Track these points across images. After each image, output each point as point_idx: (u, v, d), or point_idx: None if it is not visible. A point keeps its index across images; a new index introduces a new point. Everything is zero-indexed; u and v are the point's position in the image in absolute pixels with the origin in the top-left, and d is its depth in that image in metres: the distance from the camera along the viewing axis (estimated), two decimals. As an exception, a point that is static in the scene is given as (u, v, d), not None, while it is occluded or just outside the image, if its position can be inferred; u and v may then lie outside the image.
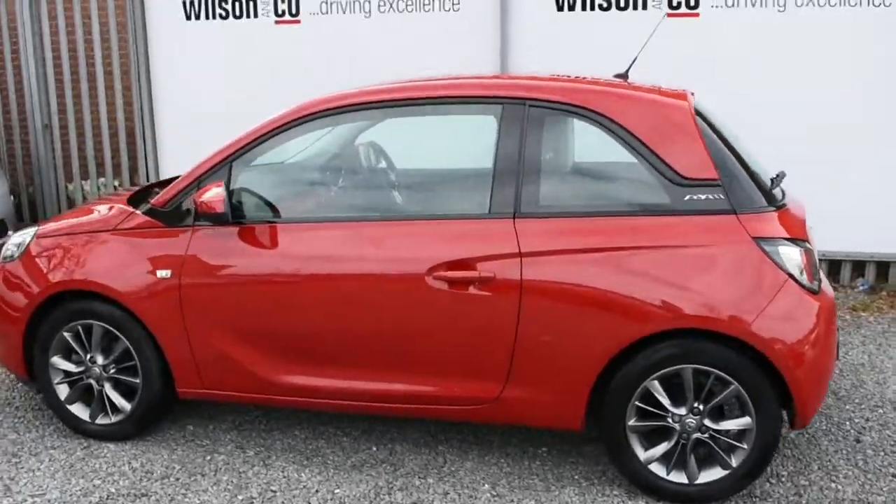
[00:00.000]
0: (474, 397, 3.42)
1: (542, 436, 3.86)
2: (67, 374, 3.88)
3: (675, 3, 5.91)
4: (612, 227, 3.28)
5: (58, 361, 3.86)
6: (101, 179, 7.46)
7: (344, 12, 6.51)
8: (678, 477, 3.31)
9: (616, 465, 3.42)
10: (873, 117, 5.70)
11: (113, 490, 3.47)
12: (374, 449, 3.80)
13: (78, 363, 3.86)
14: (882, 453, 3.69)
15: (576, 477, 3.55)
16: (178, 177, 4.48)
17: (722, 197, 3.23)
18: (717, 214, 3.22)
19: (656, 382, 3.24)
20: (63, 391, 3.90)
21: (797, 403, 3.16)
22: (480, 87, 3.55)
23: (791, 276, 3.17)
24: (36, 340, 3.85)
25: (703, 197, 3.24)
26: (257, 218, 3.57)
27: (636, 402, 3.27)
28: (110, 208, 3.94)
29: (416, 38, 6.39)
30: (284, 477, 3.56)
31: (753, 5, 5.78)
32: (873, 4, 5.57)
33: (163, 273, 3.62)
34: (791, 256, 3.19)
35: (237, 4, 6.69)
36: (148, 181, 7.15)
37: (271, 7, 6.62)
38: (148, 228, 3.70)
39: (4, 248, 4.10)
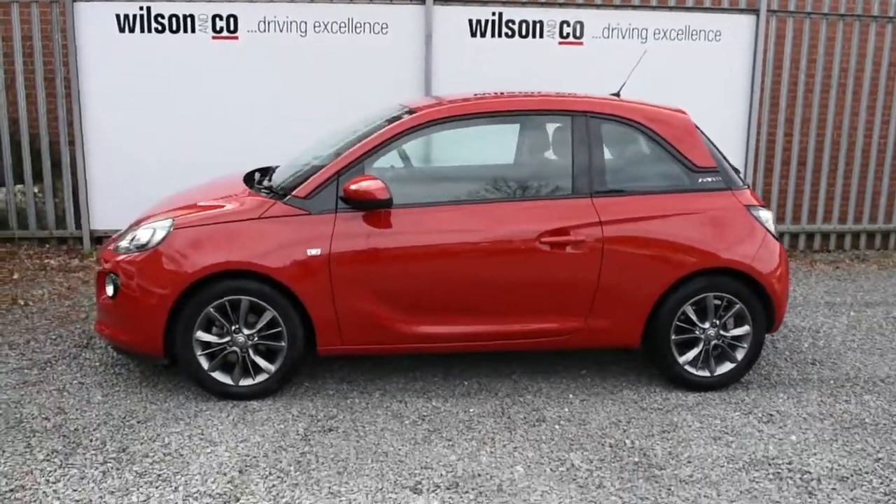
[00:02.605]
0: (565, 329, 4.66)
1: (575, 363, 5.16)
2: (207, 345, 4.47)
3: (564, 34, 7.50)
4: (657, 200, 4.70)
5: (201, 335, 4.44)
6: (19, 186, 7.40)
7: (281, 31, 7.26)
8: (703, 372, 4.80)
9: (662, 369, 4.82)
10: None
11: (302, 426, 4.21)
12: (466, 384, 4.85)
13: (220, 335, 4.46)
14: (797, 352, 5.48)
15: (623, 383, 4.90)
16: (266, 167, 5.21)
17: (720, 179, 4.79)
18: (719, 191, 4.78)
19: (690, 307, 4.70)
20: (204, 362, 4.48)
21: (777, 313, 4.79)
22: (555, 104, 4.80)
23: (768, 230, 4.81)
24: (179, 319, 4.40)
25: (709, 179, 4.78)
26: (399, 203, 4.47)
27: (677, 322, 4.71)
28: (244, 200, 4.60)
29: (348, 57, 7.32)
30: (424, 406, 4.51)
31: (623, 37, 7.53)
32: (706, 39, 7.57)
33: (313, 251, 4.40)
34: (766, 217, 4.84)
35: (174, 19, 7.14)
36: (71, 190, 7.30)
37: (209, 23, 7.16)
38: (294, 216, 4.44)
39: (129, 240, 4.54)
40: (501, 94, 5.08)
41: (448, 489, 3.68)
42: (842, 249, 8.30)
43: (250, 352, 4.49)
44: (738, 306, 4.73)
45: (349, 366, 5.03)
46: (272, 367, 4.51)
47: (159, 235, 4.46)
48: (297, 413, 4.40)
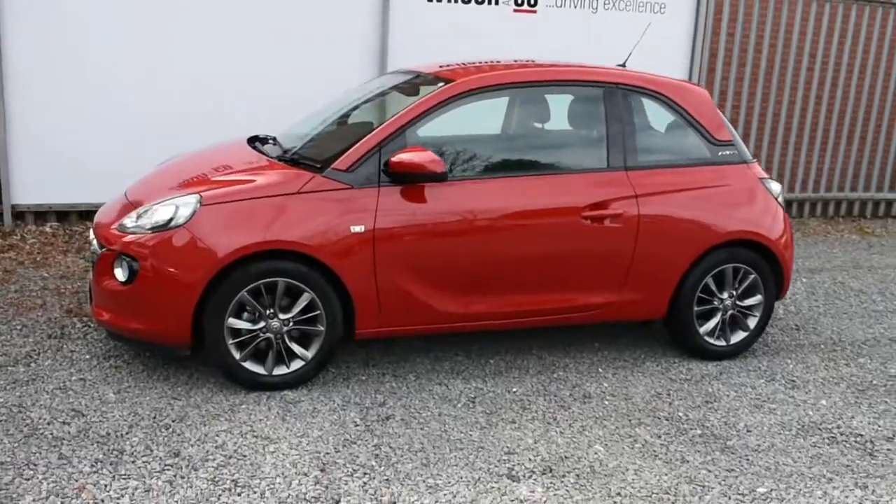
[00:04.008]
0: (600, 303, 4.63)
1: (585, 337, 5.15)
2: (237, 333, 4.08)
3: (519, 1, 7.39)
4: (683, 173, 4.75)
5: (233, 322, 4.04)
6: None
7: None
8: (720, 342, 4.92)
9: (682, 341, 4.90)
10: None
11: (356, 416, 3.95)
12: (492, 362, 4.72)
13: (252, 321, 4.09)
14: (776, 318, 5.76)
15: (640, 355, 4.95)
16: (261, 137, 4.84)
17: (736, 153, 4.91)
18: (736, 164, 4.89)
19: (710, 278, 4.80)
20: (235, 351, 4.09)
21: (786, 280, 4.98)
22: (588, 74, 4.71)
23: (777, 200, 4.98)
24: (208, 305, 3.98)
25: (727, 153, 4.88)
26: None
27: (698, 294, 4.80)
28: (276, 172, 4.21)
29: (299, 20, 6.86)
30: (466, 387, 4.35)
31: (575, 6, 7.52)
32: (651, 11, 7.70)
33: (357, 228, 4.11)
34: (776, 189, 5.01)
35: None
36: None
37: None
38: (336, 189, 4.12)
39: (149, 218, 4.05)
40: (530, 62, 4.94)
41: (544, 474, 3.58)
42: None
43: (285, 338, 4.15)
44: (752, 276, 4.87)
45: (365, 348, 4.76)
46: (308, 354, 4.19)
47: (185, 212, 4.01)
48: (342, 402, 4.12)
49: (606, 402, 4.32)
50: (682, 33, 7.85)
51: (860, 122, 8.87)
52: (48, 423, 3.73)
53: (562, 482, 3.53)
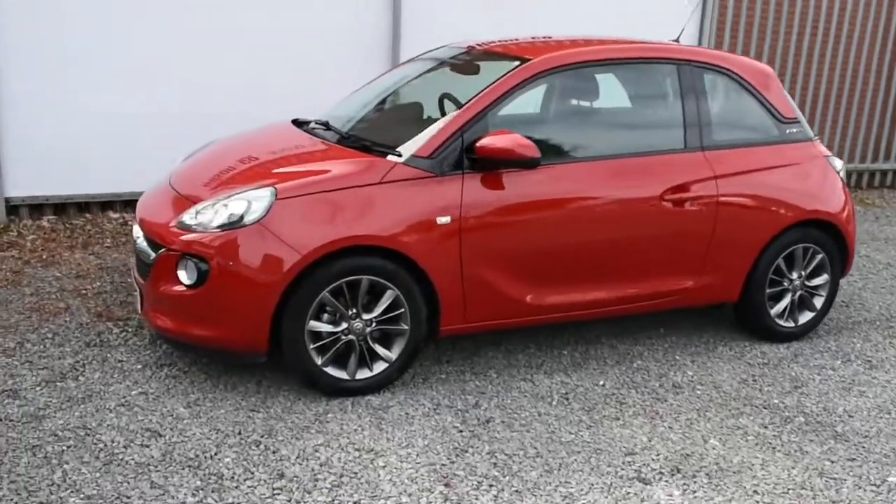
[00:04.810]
0: (680, 288, 4.46)
1: (649, 323, 4.97)
2: (317, 336, 3.76)
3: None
4: (756, 153, 4.59)
5: (314, 325, 3.72)
6: None
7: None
8: (788, 323, 4.80)
9: (753, 323, 4.76)
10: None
11: (454, 420, 3.69)
12: (566, 353, 4.50)
13: (333, 323, 3.77)
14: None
15: (710, 340, 4.80)
16: (304, 120, 4.50)
17: (801, 130, 4.78)
18: (803, 142, 4.76)
19: (781, 259, 4.67)
20: (316, 356, 3.76)
21: (850, 254, 4.88)
22: (662, 51, 4.51)
23: (840, 177, 4.87)
24: (287, 307, 3.65)
25: (794, 130, 4.75)
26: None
27: (770, 276, 4.67)
28: (352, 161, 3.87)
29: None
30: (552, 382, 4.13)
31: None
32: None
33: (443, 219, 3.82)
34: (839, 166, 4.90)
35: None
36: None
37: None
38: (420, 178, 3.82)
39: (216, 213, 3.67)
40: (600, 40, 4.67)
41: (673, 475, 3.39)
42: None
43: (368, 339, 3.84)
44: (820, 256, 4.77)
45: (434, 345, 4.46)
46: (392, 355, 3.90)
47: (259, 207, 3.65)
48: (432, 405, 3.85)
49: (699, 392, 4.15)
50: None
51: (858, 94, 8.88)
52: (125, 447, 3.36)
53: (695, 482, 3.35)
